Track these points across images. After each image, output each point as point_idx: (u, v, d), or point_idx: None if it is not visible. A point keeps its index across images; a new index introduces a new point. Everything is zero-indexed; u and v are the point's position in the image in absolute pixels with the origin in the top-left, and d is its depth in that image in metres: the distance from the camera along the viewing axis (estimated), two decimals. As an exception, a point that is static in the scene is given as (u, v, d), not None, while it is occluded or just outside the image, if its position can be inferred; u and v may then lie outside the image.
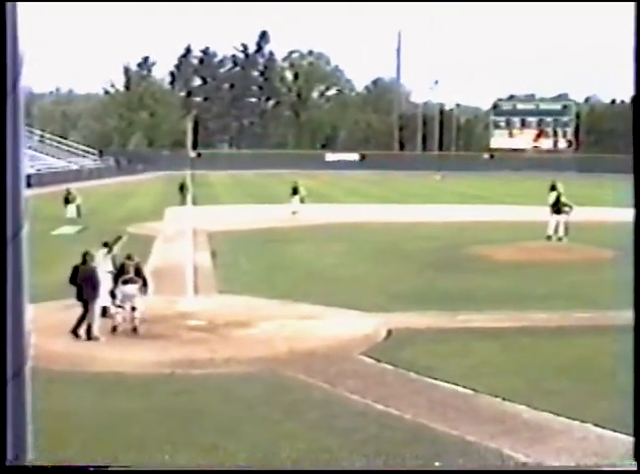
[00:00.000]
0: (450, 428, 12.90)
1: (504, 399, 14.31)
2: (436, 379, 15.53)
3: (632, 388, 4.77)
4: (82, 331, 18.81)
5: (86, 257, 19.42)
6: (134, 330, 19.11)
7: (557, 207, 36.56)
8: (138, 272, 19.59)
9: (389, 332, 19.29)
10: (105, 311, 19.57)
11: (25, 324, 2.89)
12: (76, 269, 19.33)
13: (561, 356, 17.33)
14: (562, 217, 36.22)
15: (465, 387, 14.98)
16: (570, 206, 36.67)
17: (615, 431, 12.62)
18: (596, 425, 12.94)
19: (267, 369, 16.47)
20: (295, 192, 49.99)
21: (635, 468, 5.22)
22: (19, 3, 2.79)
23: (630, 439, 12.07)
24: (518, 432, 12.83)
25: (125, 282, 19.41)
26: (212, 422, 13.43)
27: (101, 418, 13.64)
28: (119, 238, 21.90)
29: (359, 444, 12.24)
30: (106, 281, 19.63)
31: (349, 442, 12.35)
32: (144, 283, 19.49)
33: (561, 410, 13.65)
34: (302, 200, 49.75)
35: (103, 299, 19.41)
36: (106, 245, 21.21)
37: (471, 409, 13.99)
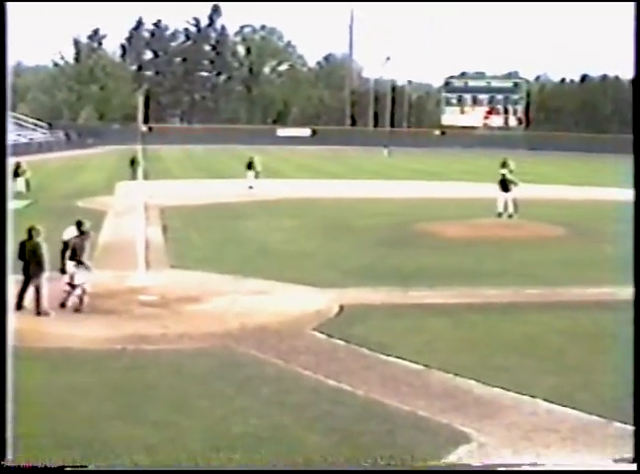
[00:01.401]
0: (402, 403, 12.96)
1: (455, 375, 14.41)
2: (388, 355, 15.58)
3: (632, 388, 4.82)
4: (28, 304, 18.65)
5: (32, 232, 19.22)
6: (76, 310, 18.91)
7: (505, 185, 36.77)
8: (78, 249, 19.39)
9: (341, 308, 19.32)
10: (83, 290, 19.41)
11: (6, 302, 2.84)
12: (23, 244, 19.14)
13: (511, 333, 17.46)
14: (510, 195, 36.41)
15: (417, 363, 15.06)
16: (515, 183, 36.87)
17: (564, 405, 12.78)
18: (545, 400, 13.08)
19: (219, 345, 16.44)
20: (250, 166, 49.79)
21: (635, 468, 5.28)
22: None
23: (578, 414, 12.28)
24: (469, 407, 12.92)
25: (71, 259, 19.27)
26: (165, 398, 13.39)
27: (51, 394, 13.53)
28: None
29: (312, 420, 12.27)
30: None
31: (302, 418, 12.37)
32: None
33: (511, 385, 13.77)
34: (257, 176, 49.60)
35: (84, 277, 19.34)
36: (79, 224, 20.90)
37: (423, 385, 14.06)
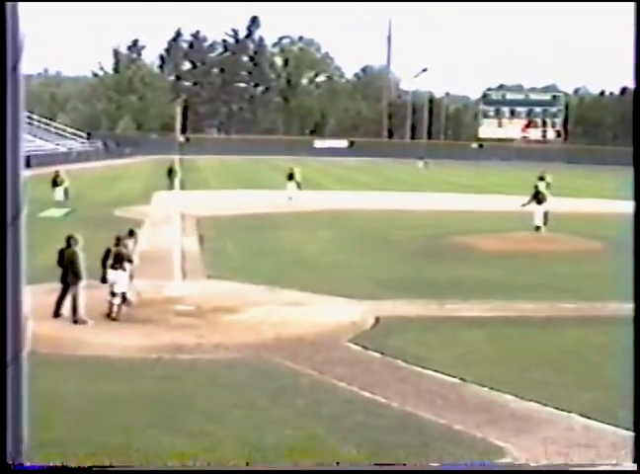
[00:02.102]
0: (437, 416, 12.92)
1: (491, 388, 14.34)
2: (423, 368, 15.55)
3: (632, 388, 4.77)
4: (66, 312, 18.84)
5: (70, 240, 19.41)
6: (108, 315, 19.03)
7: (538, 198, 36.61)
8: (119, 257, 19.56)
9: (377, 319, 19.31)
10: (124, 298, 19.61)
11: (22, 309, 2.87)
12: (61, 252, 19.36)
13: (547, 347, 17.37)
14: (542, 207, 36.25)
15: (453, 376, 15.01)
16: (544, 197, 36.70)
17: (601, 421, 12.67)
18: (581, 415, 12.98)
19: (254, 355, 16.46)
20: (291, 177, 49.95)
21: (635, 468, 5.23)
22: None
23: (616, 431, 12.15)
24: (504, 421, 12.85)
25: (112, 267, 19.46)
26: (199, 407, 13.42)
27: (86, 402, 13.61)
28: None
29: (345, 432, 12.25)
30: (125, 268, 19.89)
31: (335, 430, 12.36)
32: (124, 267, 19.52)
33: (547, 400, 13.68)
34: (298, 187, 49.73)
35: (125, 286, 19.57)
36: (130, 233, 21.35)
37: (458, 398, 14.01)
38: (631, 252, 4.76)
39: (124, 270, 19.59)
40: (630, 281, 5.01)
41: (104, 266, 19.45)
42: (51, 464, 3.37)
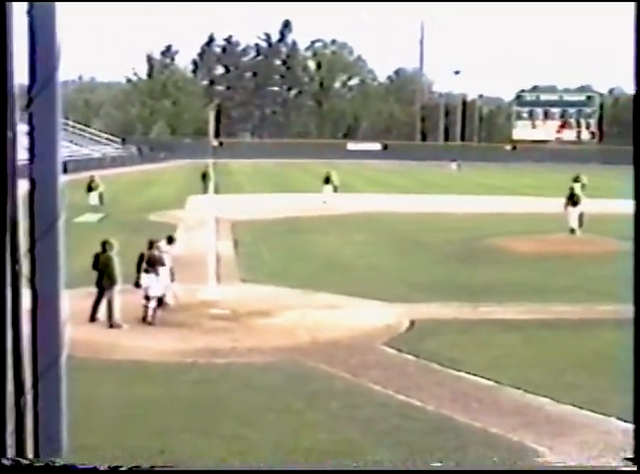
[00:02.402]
0: (473, 419, 12.89)
1: (526, 391, 14.28)
2: (458, 371, 15.51)
3: (632, 389, 4.75)
4: (102, 316, 18.99)
5: (105, 246, 19.56)
6: (144, 319, 19.17)
7: (573, 200, 36.37)
8: (152, 261, 19.68)
9: (411, 322, 19.29)
10: (160, 301, 19.76)
11: (61, 314, 2.90)
12: (97, 257, 19.53)
13: (583, 350, 17.27)
14: (577, 209, 36.00)
15: (488, 379, 14.96)
16: (579, 199, 36.44)
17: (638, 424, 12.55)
18: (619, 419, 12.88)
19: (289, 359, 16.49)
20: (328, 181, 50.04)
21: (635, 468, 5.21)
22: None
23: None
24: (540, 424, 12.79)
25: (146, 271, 19.60)
26: (234, 411, 13.45)
27: (122, 406, 13.69)
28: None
29: (381, 435, 12.25)
30: (163, 273, 20.17)
31: (371, 433, 12.36)
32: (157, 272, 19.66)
33: (583, 403, 13.60)
34: (335, 190, 49.81)
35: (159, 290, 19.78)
36: (169, 239, 21.66)
37: (493, 401, 13.97)
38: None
39: (158, 274, 19.69)
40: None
41: (138, 270, 19.57)
42: (56, 464, 3.39)
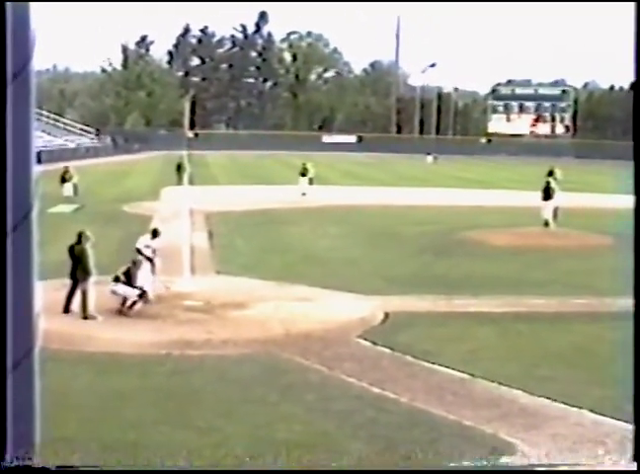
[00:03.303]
0: (447, 412, 12.91)
1: (500, 384, 14.32)
2: (433, 363, 15.54)
3: (632, 390, 4.75)
4: (76, 307, 18.88)
5: (80, 237, 19.44)
6: (120, 311, 19.15)
7: (548, 193, 36.52)
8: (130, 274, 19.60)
9: (386, 315, 19.29)
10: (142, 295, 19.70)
11: (34, 306, 2.86)
12: (71, 248, 19.41)
13: (557, 343, 17.34)
14: (552, 203, 36.15)
15: (462, 372, 14.99)
16: (554, 192, 36.61)
17: (612, 417, 12.63)
18: (591, 411, 12.95)
19: (263, 351, 16.47)
20: (304, 173, 50.05)
21: (635, 468, 5.21)
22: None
23: (625, 426, 12.13)
24: (514, 417, 12.84)
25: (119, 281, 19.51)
26: (209, 403, 13.43)
27: (96, 398, 13.63)
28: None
29: (355, 428, 12.25)
30: (146, 266, 20.40)
31: (345, 425, 12.36)
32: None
33: (557, 396, 13.66)
34: (311, 182, 49.82)
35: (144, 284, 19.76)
36: (154, 233, 21.75)
37: (468, 393, 13.99)
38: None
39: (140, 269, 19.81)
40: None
41: (115, 280, 19.42)
42: (55, 465, 3.35)
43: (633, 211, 4.59)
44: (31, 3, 2.75)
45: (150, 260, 21.46)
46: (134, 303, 19.27)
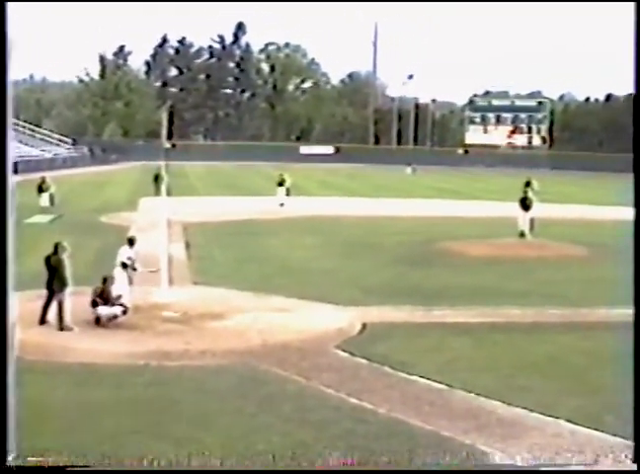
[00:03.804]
0: (425, 422, 12.91)
1: (478, 395, 14.34)
2: (410, 374, 15.54)
3: (632, 389, 4.78)
4: (52, 318, 18.77)
5: (58, 247, 19.34)
6: (96, 322, 19.06)
7: (525, 204, 36.66)
8: (106, 296, 19.47)
9: (363, 326, 19.30)
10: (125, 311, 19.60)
11: (9, 316, 2.85)
12: (48, 259, 19.30)
13: (534, 353, 17.38)
14: (528, 214, 36.27)
15: (439, 382, 15.00)
16: (531, 203, 36.73)
17: (588, 427, 12.67)
18: (568, 421, 12.99)
19: (241, 362, 16.43)
20: (281, 184, 50.11)
21: (635, 468, 5.25)
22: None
23: (602, 436, 12.17)
24: (491, 427, 12.85)
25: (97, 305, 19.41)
26: (186, 414, 13.38)
27: (73, 409, 13.56)
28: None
29: (333, 438, 12.22)
30: (123, 277, 20.49)
31: (323, 436, 12.33)
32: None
33: (534, 406, 13.68)
34: (288, 193, 49.88)
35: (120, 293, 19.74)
36: (130, 242, 21.65)
37: (445, 404, 14.00)
38: (618, 258, 4.78)
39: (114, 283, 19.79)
40: (617, 287, 5.02)
41: (93, 305, 19.29)
42: (49, 465, 3.34)
43: (633, 223, 4.63)
44: (8, 13, 2.75)
45: (133, 268, 21.30)
46: (115, 317, 19.19)
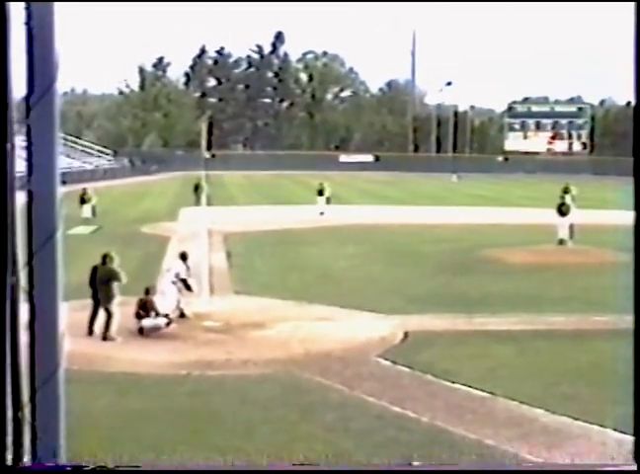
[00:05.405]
0: (468, 431, 12.86)
1: (521, 403, 14.26)
2: (452, 382, 15.49)
3: (632, 391, 4.74)
4: (95, 328, 18.92)
5: (106, 258, 19.50)
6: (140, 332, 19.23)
7: (562, 210, 36.40)
8: (148, 307, 19.59)
9: (406, 334, 19.26)
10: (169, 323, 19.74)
11: (58, 327, 2.87)
12: (95, 269, 19.46)
13: (578, 361, 17.25)
14: (567, 220, 35.97)
15: (482, 390, 14.93)
16: (568, 210, 36.44)
17: (634, 435, 12.52)
18: (615, 429, 12.86)
19: (283, 371, 16.45)
20: (321, 193, 50.23)
21: (635, 468, 5.20)
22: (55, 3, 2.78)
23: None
24: (535, 435, 12.77)
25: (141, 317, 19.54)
26: (229, 423, 13.41)
27: (116, 418, 13.63)
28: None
29: (375, 447, 12.21)
30: (172, 290, 20.73)
31: (365, 445, 12.32)
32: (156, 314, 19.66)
33: (579, 414, 13.58)
34: (328, 201, 50.00)
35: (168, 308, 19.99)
36: (183, 257, 21.76)
37: (488, 412, 13.94)
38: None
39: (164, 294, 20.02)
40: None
41: (137, 316, 19.44)
42: (51, 464, 3.36)
43: (633, 228, 4.60)
44: (55, 25, 2.78)
45: (186, 286, 21.39)
46: (159, 328, 19.31)
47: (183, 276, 21.33)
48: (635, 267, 4.36)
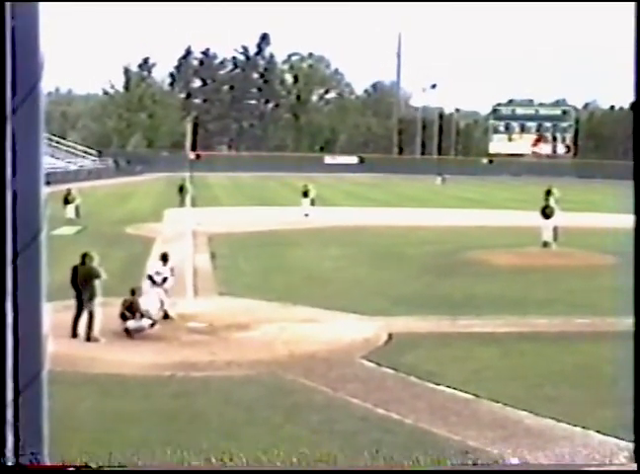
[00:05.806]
0: (452, 433, 12.86)
1: (505, 404, 14.27)
2: (436, 384, 15.49)
3: (632, 391, 4.74)
4: (81, 330, 18.85)
5: (85, 258, 19.42)
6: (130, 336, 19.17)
7: (546, 213, 36.48)
8: (134, 308, 19.51)
9: (390, 336, 19.25)
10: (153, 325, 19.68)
11: (42, 328, 2.86)
12: (75, 269, 19.37)
13: (561, 363, 17.29)
14: (551, 222, 36.05)
15: (466, 392, 14.95)
16: (552, 212, 36.51)
17: (618, 437, 12.57)
18: (598, 431, 12.90)
19: (267, 372, 16.42)
20: (306, 194, 50.26)
21: (635, 468, 5.21)
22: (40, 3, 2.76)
23: (631, 446, 12.04)
24: (519, 437, 12.78)
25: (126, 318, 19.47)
26: (213, 424, 13.39)
27: (100, 420, 13.59)
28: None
29: (360, 449, 12.19)
30: (152, 291, 20.59)
31: (350, 447, 12.30)
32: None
33: (562, 416, 13.60)
34: (313, 203, 50.04)
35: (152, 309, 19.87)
36: (164, 257, 21.65)
37: (472, 414, 13.94)
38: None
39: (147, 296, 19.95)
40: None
41: (122, 317, 19.36)
42: (52, 464, 3.34)
43: (633, 231, 4.59)
44: (40, 24, 2.76)
45: (164, 281, 21.29)
46: (143, 330, 19.25)
47: (165, 276, 21.25)
48: (635, 267, 4.36)
